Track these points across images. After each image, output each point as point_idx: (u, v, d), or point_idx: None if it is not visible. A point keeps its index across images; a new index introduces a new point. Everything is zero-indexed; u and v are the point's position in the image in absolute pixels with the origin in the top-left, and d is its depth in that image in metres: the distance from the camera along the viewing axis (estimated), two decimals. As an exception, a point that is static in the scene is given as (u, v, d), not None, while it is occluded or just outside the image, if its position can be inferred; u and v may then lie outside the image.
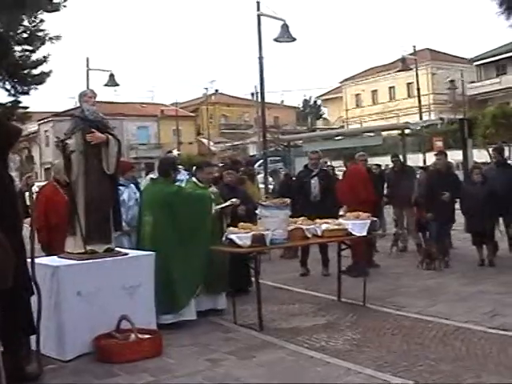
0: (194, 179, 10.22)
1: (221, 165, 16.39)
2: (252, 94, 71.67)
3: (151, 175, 11.17)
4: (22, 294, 6.33)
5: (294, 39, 19.49)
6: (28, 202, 7.02)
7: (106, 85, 29.98)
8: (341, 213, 12.65)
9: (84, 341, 7.47)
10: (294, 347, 7.67)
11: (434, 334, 8.00)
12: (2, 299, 5.25)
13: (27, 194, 6.90)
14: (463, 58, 70.94)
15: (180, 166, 12.49)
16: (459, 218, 13.70)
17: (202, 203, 9.30)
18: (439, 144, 35.01)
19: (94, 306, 7.58)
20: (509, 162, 14.84)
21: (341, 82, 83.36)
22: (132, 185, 10.74)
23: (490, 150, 15.44)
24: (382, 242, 15.08)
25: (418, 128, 26.15)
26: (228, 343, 7.94)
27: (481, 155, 30.95)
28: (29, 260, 6.65)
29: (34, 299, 6.69)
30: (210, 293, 9.40)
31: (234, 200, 9.81)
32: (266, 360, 7.19)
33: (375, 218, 10.13)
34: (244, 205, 10.69)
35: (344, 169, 14.08)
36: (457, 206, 13.47)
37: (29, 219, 6.97)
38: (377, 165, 17.55)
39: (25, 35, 21.66)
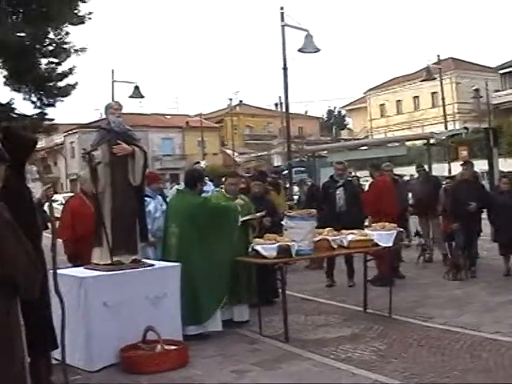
0: (222, 190, 10.23)
1: (247, 175, 16.36)
2: (276, 105, 71.78)
3: (177, 186, 11.19)
4: (43, 307, 6.31)
5: (318, 50, 19.52)
6: (48, 213, 7.01)
7: (131, 96, 30.19)
8: (366, 223, 12.61)
9: (110, 351, 7.50)
10: (320, 358, 7.64)
11: (461, 345, 7.94)
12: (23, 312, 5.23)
13: (47, 204, 6.88)
14: (488, 67, 70.69)
15: (206, 177, 12.51)
16: (485, 227, 13.61)
17: (228, 215, 9.28)
18: (464, 153, 34.91)
19: (120, 316, 7.62)
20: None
21: (365, 92, 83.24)
22: (159, 196, 10.78)
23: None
24: (407, 252, 14.98)
25: (443, 138, 26.07)
26: (254, 354, 7.94)
27: (506, 164, 30.77)
28: (51, 271, 6.66)
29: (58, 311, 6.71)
30: (233, 304, 9.41)
31: (258, 214, 9.79)
32: (292, 371, 7.17)
33: (401, 229, 10.07)
34: (270, 216, 10.70)
35: (370, 179, 14.00)
36: (484, 215, 13.38)
37: (49, 230, 6.97)
38: (397, 175, 17.46)
39: (50, 48, 21.78)
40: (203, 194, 9.96)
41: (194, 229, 8.89)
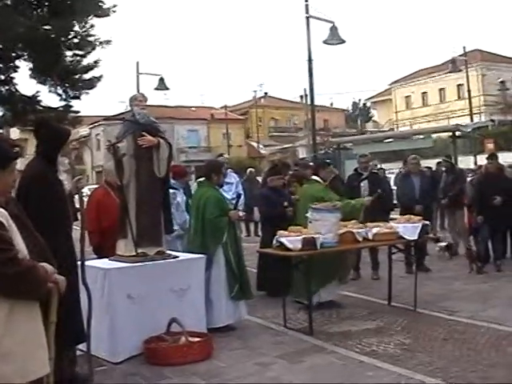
0: (315, 177, 10.37)
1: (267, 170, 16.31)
2: (301, 97, 71.59)
3: (200, 179, 11.18)
4: (73, 300, 6.28)
5: (343, 41, 19.45)
6: (78, 205, 7.04)
7: (156, 89, 30.28)
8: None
9: (134, 343, 7.54)
10: (344, 351, 7.63)
11: (487, 340, 7.89)
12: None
13: (77, 196, 6.90)
14: (514, 59, 69.83)
15: (229, 169, 12.50)
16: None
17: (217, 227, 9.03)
18: (490, 146, 34.63)
19: (144, 308, 7.65)
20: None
21: (390, 84, 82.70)
22: (181, 190, 10.83)
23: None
24: (432, 245, 14.87)
25: (469, 130, 25.79)
26: (278, 347, 7.94)
27: (533, 157, 30.43)
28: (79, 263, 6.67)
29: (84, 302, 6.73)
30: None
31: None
32: (316, 364, 7.17)
33: (427, 222, 10.01)
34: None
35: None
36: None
37: (78, 222, 7.01)
38: (427, 167, 17.27)
39: (75, 40, 21.88)
40: (226, 186, 9.95)
41: (200, 221, 8.94)
